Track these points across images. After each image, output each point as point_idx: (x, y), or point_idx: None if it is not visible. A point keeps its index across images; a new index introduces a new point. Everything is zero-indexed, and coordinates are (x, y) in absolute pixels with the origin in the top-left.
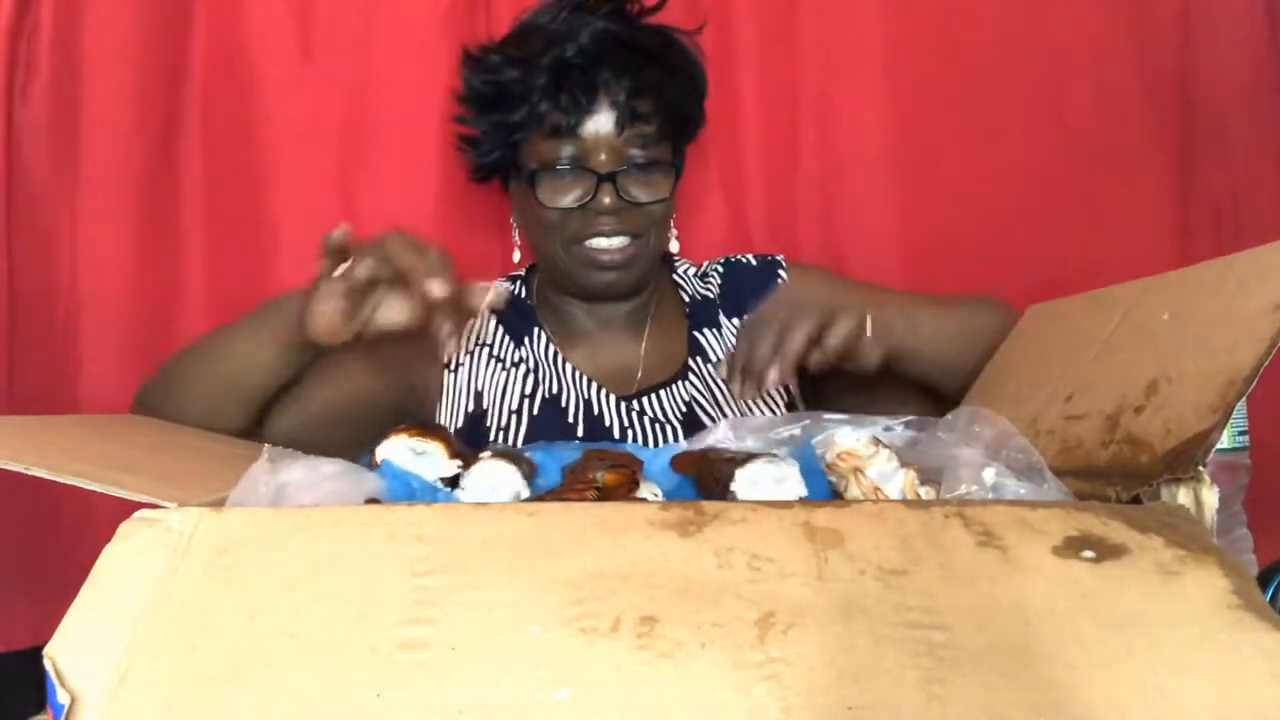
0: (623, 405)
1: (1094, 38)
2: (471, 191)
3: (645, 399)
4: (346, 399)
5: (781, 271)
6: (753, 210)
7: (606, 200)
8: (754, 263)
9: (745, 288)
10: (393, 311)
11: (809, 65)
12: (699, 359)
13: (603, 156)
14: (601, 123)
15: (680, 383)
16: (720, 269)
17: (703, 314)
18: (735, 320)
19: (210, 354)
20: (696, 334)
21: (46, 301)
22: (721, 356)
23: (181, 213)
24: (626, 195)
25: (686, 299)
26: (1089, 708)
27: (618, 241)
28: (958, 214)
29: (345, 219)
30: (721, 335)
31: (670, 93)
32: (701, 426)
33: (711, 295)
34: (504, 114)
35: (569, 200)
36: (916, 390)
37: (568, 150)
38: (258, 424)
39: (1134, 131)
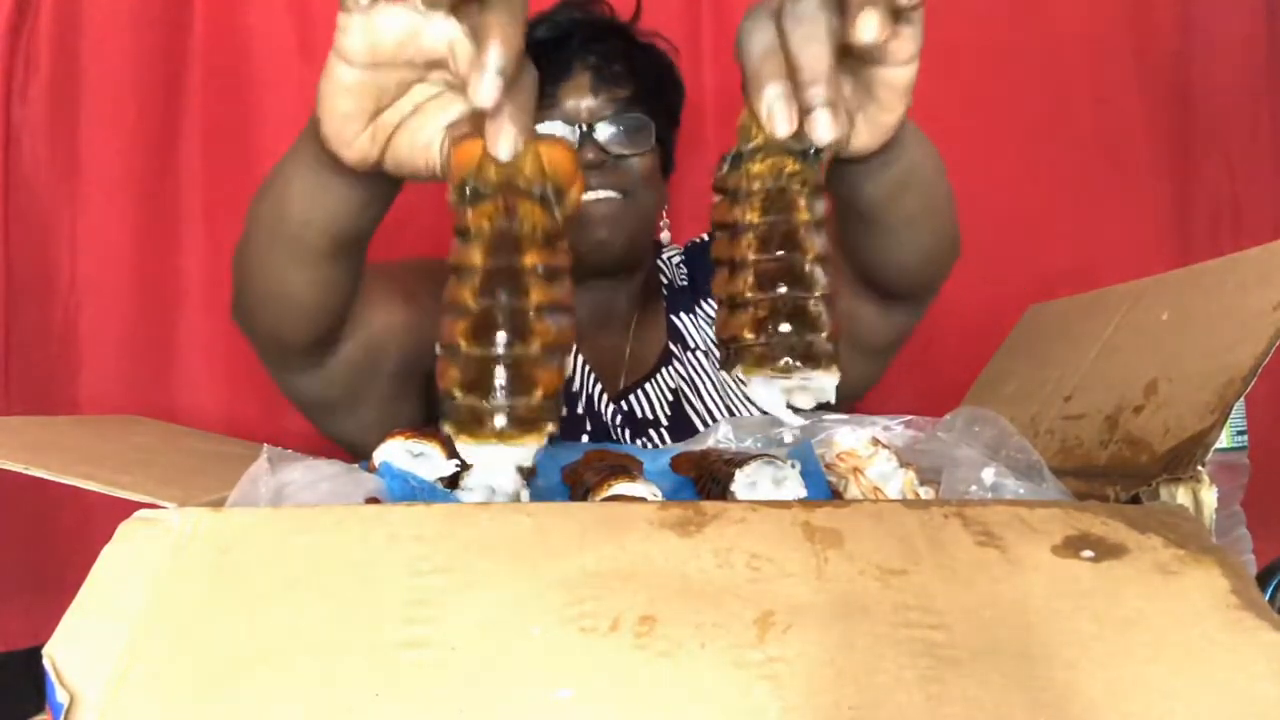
0: (612, 409)
1: (1094, 38)
2: None
3: (633, 396)
4: (384, 330)
5: None
6: None
7: (590, 155)
8: (707, 239)
9: (704, 264)
10: (421, 139)
11: None
12: (679, 345)
13: (583, 116)
14: (577, 86)
15: (664, 370)
16: (683, 255)
17: (680, 299)
18: (708, 302)
19: (262, 190)
20: (674, 318)
21: (45, 301)
22: (699, 343)
23: (181, 212)
24: (609, 149)
25: (665, 283)
26: (1088, 707)
27: (604, 194)
28: (957, 214)
29: None
30: (697, 320)
31: (640, 60)
32: (688, 416)
33: (685, 283)
34: None
35: None
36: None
37: (550, 117)
38: (339, 296)
39: (1134, 131)
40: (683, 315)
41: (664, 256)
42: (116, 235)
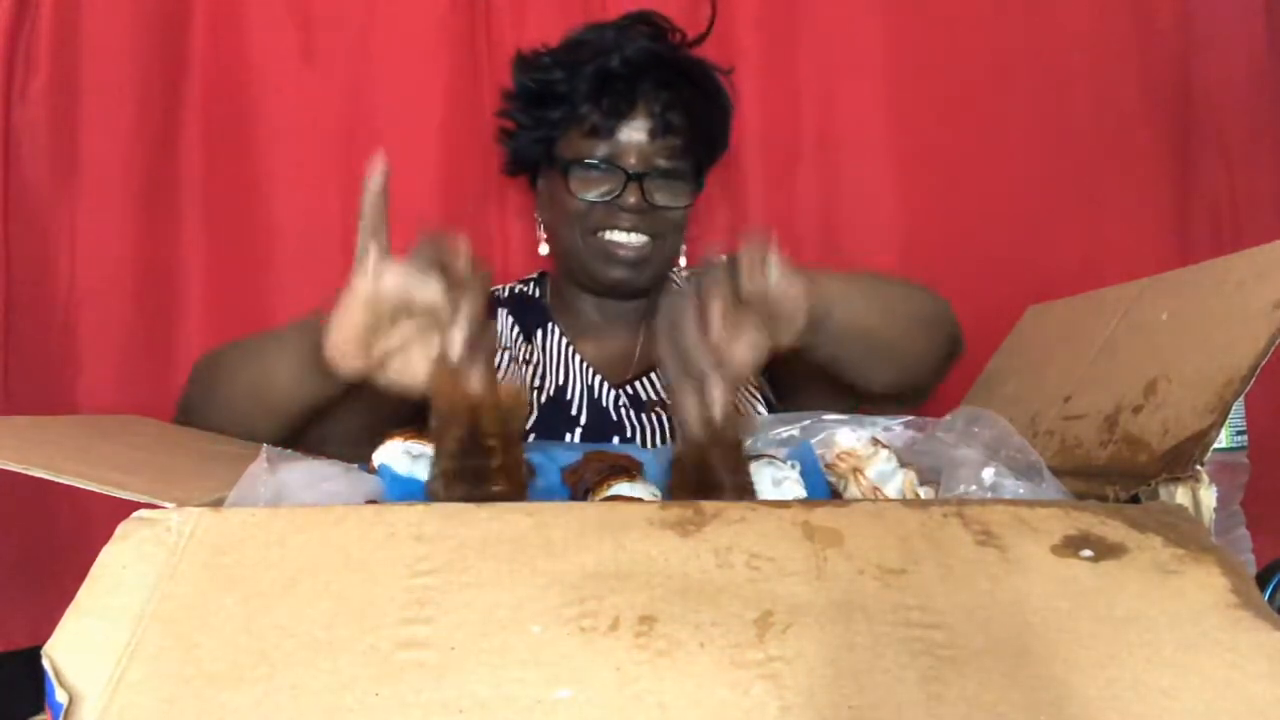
0: (614, 394)
1: (1094, 39)
2: (470, 192)
3: (638, 382)
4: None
5: None
6: (753, 210)
7: (631, 199)
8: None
9: None
10: (411, 366)
11: (809, 66)
12: None
13: (633, 159)
14: (636, 128)
15: None
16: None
17: None
18: None
19: (244, 359)
20: None
21: (45, 302)
22: None
23: (181, 213)
24: (650, 198)
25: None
26: (1087, 707)
27: (635, 239)
28: (958, 215)
29: (344, 220)
30: None
31: (701, 112)
32: None
33: None
34: (546, 110)
35: (596, 194)
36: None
37: (602, 150)
38: (299, 437)
39: (1134, 131)
40: None
41: (674, 274)
42: (116, 235)
